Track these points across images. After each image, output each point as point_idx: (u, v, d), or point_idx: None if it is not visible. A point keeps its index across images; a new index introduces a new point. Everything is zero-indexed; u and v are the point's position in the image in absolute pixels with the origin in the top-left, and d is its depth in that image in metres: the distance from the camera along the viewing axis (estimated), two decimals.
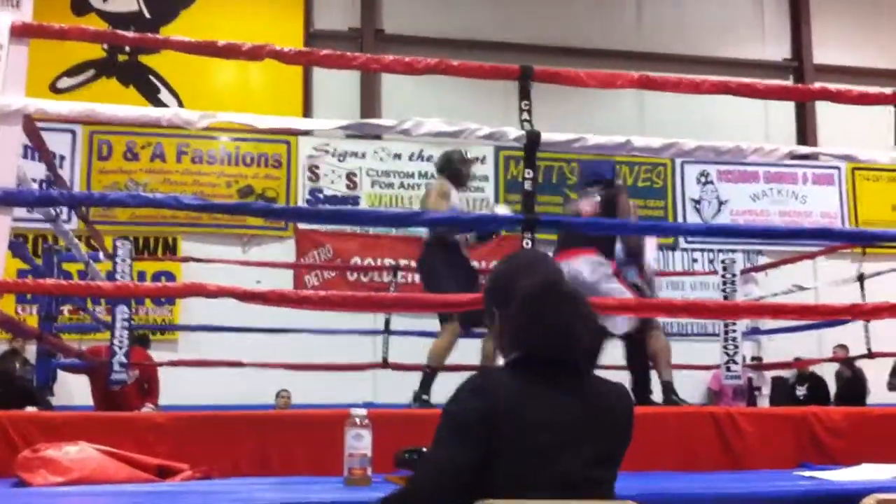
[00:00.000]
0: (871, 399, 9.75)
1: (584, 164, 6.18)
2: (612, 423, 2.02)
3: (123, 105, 3.84)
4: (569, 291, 2.12)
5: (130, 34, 4.47)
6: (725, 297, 6.75)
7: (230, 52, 3.69)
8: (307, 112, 11.49)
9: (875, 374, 9.73)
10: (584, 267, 5.12)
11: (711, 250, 11.63)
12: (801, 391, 10.25)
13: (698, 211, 12.24)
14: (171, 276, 10.24)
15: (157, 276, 10.22)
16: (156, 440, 3.19)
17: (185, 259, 9.57)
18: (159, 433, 3.24)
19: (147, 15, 11.60)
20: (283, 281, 10.17)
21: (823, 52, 13.20)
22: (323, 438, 3.11)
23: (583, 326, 2.03)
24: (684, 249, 11.90)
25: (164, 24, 11.49)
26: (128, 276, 6.18)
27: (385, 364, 7.64)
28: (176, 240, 10.81)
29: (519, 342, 2.06)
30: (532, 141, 3.66)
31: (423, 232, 5.90)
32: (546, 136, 3.69)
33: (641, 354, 5.33)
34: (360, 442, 2.57)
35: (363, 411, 2.64)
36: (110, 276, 6.38)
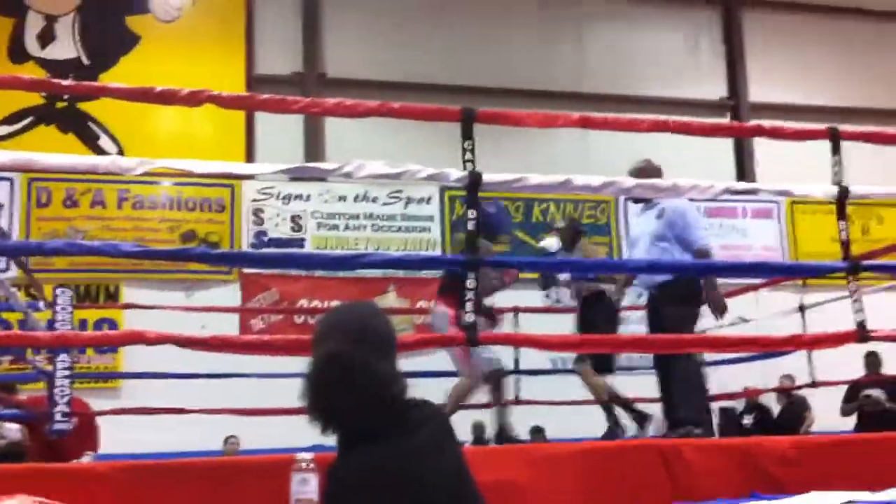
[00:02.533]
0: (819, 426, 9.90)
1: None
2: (421, 478, 2.07)
3: (61, 154, 3.78)
4: (345, 365, 2.14)
5: (66, 82, 4.43)
6: None
7: (168, 97, 3.68)
8: (250, 156, 11.46)
9: (822, 401, 9.87)
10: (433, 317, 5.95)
11: None
12: (747, 420, 10.38)
13: None
14: (113, 324, 10.07)
15: (98, 324, 10.05)
16: (98, 490, 3.12)
17: (127, 306, 9.43)
18: (102, 483, 3.17)
19: (86, 61, 11.53)
20: (228, 325, 10.07)
21: (759, 91, 13.54)
22: (270, 484, 3.07)
23: (353, 400, 2.10)
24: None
25: (103, 71, 11.41)
26: (68, 324, 6.06)
27: None
28: (118, 286, 10.67)
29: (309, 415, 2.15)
30: (474, 181, 3.69)
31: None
32: (488, 177, 3.72)
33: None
34: (306, 486, 2.52)
35: (309, 455, 2.60)
36: (51, 324, 6.27)
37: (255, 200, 11.35)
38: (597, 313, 6.39)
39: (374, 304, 2.62)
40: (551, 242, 6.65)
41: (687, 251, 5.42)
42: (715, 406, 9.01)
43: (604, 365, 6.50)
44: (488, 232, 6.00)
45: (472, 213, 3.72)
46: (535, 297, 7.22)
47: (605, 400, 6.35)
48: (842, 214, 4.08)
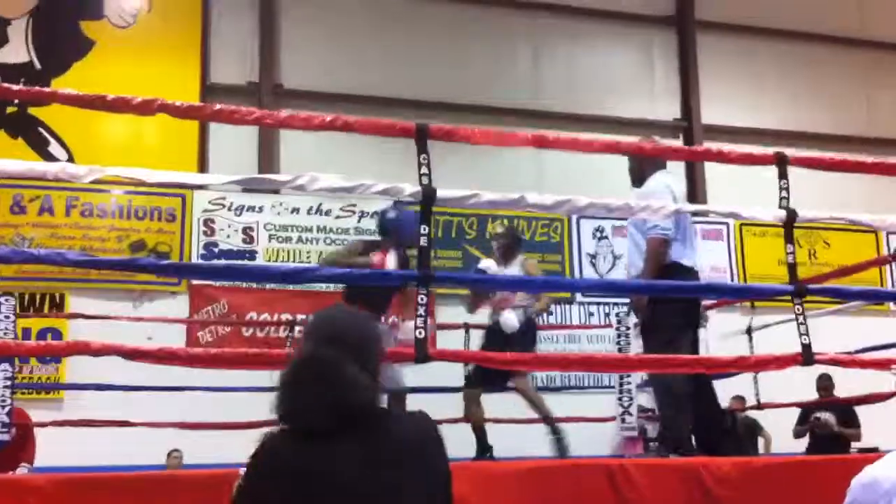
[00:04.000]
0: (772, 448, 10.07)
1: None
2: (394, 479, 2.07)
3: (9, 159, 3.72)
4: (317, 366, 2.13)
5: (16, 87, 4.36)
6: (620, 350, 6.87)
7: (120, 105, 3.63)
8: (203, 166, 11.34)
9: (773, 423, 10.00)
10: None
11: (607, 304, 11.82)
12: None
13: (594, 265, 12.45)
14: (57, 334, 9.89)
15: (42, 334, 9.86)
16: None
17: (73, 315, 9.29)
18: (41, 497, 3.11)
19: (38, 66, 11.34)
20: (175, 337, 9.95)
21: (712, 113, 13.67)
22: (212, 498, 3.03)
23: (314, 400, 2.08)
24: (581, 303, 12.06)
25: (55, 76, 11.24)
26: (11, 333, 5.97)
27: None
28: (63, 296, 10.48)
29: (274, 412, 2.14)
30: (428, 197, 3.69)
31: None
32: (442, 193, 3.72)
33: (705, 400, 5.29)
34: None
35: None
36: None
37: (206, 211, 11.23)
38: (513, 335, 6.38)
39: (363, 313, 2.58)
40: (489, 264, 6.65)
41: None
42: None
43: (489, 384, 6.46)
44: (394, 237, 6.04)
45: (424, 229, 3.72)
46: (483, 313, 7.19)
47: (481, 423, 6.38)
48: (789, 238, 4.13)
